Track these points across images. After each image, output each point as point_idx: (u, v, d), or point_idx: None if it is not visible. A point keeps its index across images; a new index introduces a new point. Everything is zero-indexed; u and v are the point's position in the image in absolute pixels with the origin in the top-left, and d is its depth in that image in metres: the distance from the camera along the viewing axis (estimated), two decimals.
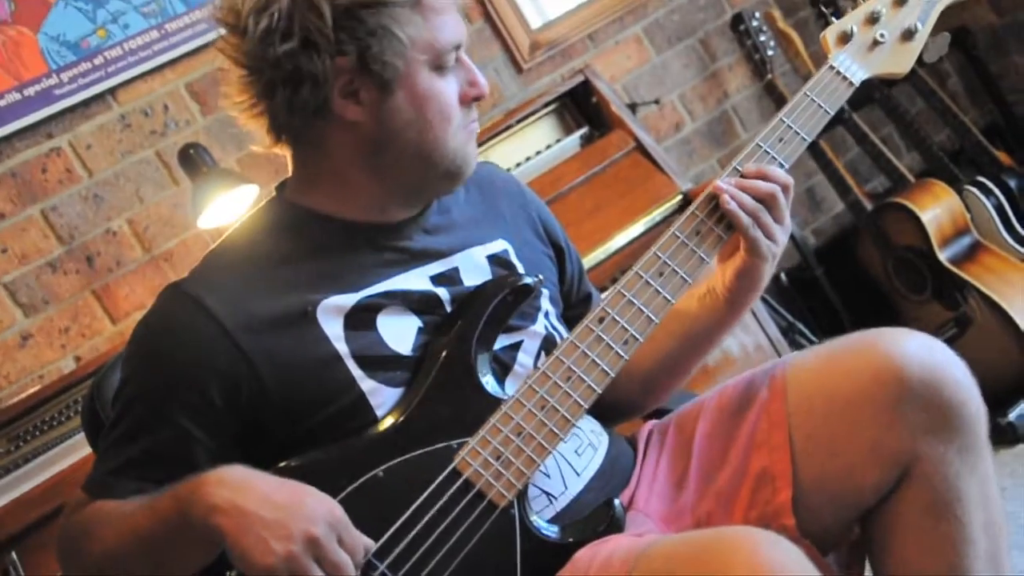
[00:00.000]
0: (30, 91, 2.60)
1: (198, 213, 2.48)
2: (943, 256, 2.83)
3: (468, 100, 1.33)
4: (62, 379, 2.34)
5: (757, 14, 3.24)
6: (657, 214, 2.65)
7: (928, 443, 1.23)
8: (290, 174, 1.38)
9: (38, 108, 2.59)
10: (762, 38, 3.20)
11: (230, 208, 2.49)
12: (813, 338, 2.92)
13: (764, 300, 2.78)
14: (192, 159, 2.50)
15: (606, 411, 1.43)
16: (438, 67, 1.30)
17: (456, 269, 1.38)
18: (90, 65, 2.65)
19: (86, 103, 2.65)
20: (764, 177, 1.36)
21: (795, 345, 2.85)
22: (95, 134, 2.67)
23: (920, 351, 1.25)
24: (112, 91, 2.68)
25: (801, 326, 2.94)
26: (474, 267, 1.39)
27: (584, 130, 2.87)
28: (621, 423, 1.51)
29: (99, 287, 2.63)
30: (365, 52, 1.26)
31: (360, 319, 1.29)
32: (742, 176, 1.36)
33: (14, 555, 2.10)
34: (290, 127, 1.32)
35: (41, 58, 2.61)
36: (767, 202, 1.34)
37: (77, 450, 2.28)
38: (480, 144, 2.64)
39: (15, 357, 2.53)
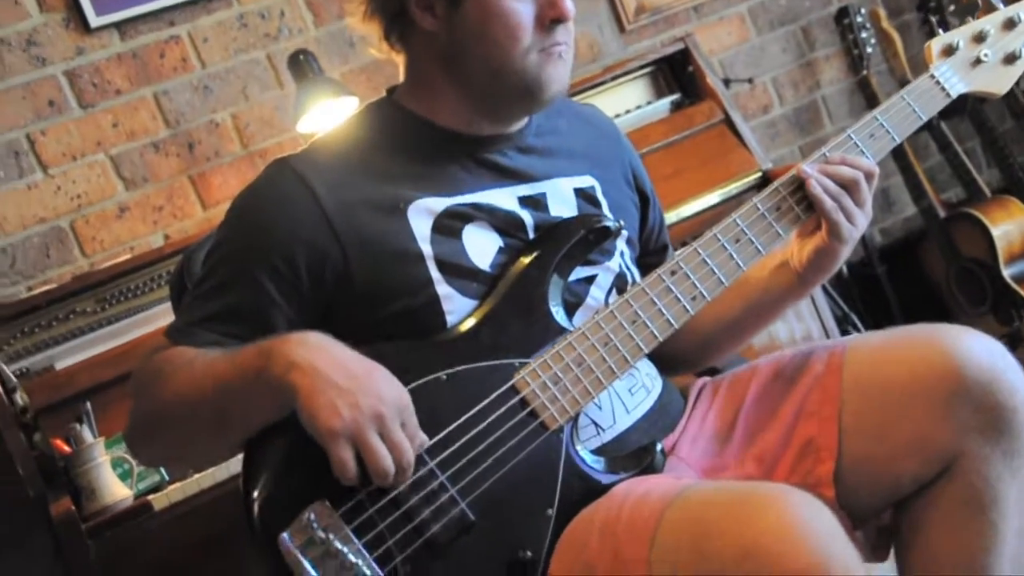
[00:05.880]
0: None
1: (298, 117, 2.57)
2: (1007, 273, 2.84)
3: (546, 20, 1.33)
4: (150, 253, 2.46)
5: (863, 10, 3.26)
6: (734, 188, 2.69)
7: (975, 442, 1.24)
8: (401, 79, 1.45)
9: None
10: (863, 34, 3.21)
11: (329, 116, 2.57)
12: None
13: (823, 288, 2.80)
14: (301, 64, 2.59)
15: (661, 359, 1.46)
16: None
17: (544, 195, 1.41)
18: None
19: None
20: (849, 164, 1.39)
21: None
22: (213, 28, 2.76)
23: (981, 351, 1.25)
24: None
25: (855, 319, 2.97)
26: (561, 197, 1.42)
27: (676, 96, 2.91)
28: (672, 375, 1.53)
29: (196, 173, 2.73)
30: None
31: (448, 226, 1.34)
32: (828, 162, 1.39)
33: (88, 405, 2.21)
34: (388, 34, 1.40)
35: None
36: (849, 187, 1.37)
37: (155, 320, 2.40)
38: (575, 94, 2.72)
39: (111, 226, 2.65)
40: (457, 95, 1.38)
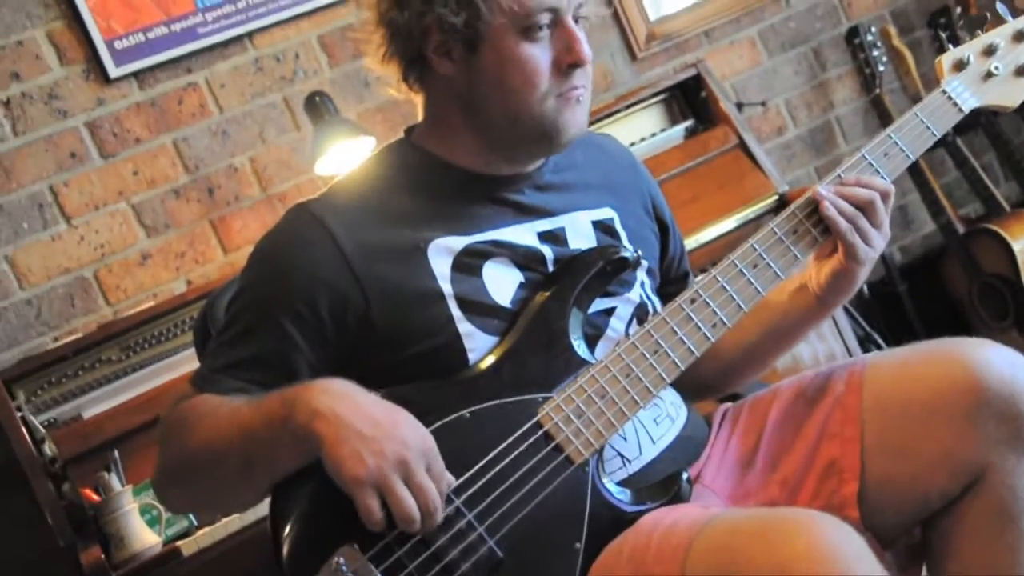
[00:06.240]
0: (176, 27, 2.72)
1: (316, 158, 2.59)
2: None
3: (563, 66, 1.33)
4: (173, 299, 2.48)
5: (873, 28, 3.26)
6: (751, 212, 2.70)
7: (1000, 454, 1.24)
8: (420, 119, 1.45)
9: (182, 44, 2.72)
10: (875, 53, 3.21)
11: (347, 156, 2.59)
12: None
13: (845, 308, 2.79)
14: (317, 106, 2.62)
15: (683, 387, 1.46)
16: (526, 31, 1.31)
17: (563, 229, 1.41)
18: (233, 8, 2.77)
19: (225, 44, 2.78)
20: (863, 185, 1.38)
21: None
22: (230, 74, 2.80)
23: (1001, 363, 1.26)
24: (250, 35, 2.80)
25: (877, 338, 2.95)
26: (580, 231, 1.42)
27: (689, 122, 2.92)
28: (694, 401, 1.52)
29: (216, 218, 2.75)
30: (445, 14, 1.31)
31: (467, 264, 1.34)
32: (842, 183, 1.39)
33: (116, 453, 2.24)
34: (406, 77, 1.40)
35: None
36: (865, 208, 1.37)
37: (180, 366, 2.42)
38: (589, 124, 2.72)
39: (134, 274, 2.67)
40: (475, 137, 1.39)
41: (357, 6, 2.86)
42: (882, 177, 1.42)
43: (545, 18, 1.32)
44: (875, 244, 1.38)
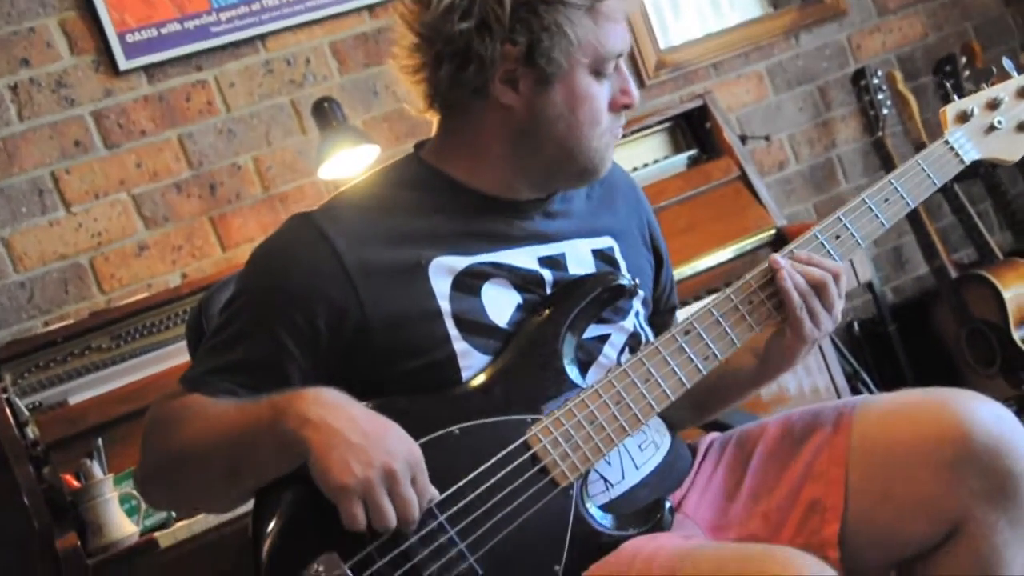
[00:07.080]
0: (190, 24, 2.74)
1: (320, 162, 2.61)
2: (1017, 335, 2.85)
3: (618, 107, 1.38)
4: (167, 292, 2.49)
5: (880, 72, 3.28)
6: (748, 243, 2.72)
7: (981, 508, 1.25)
8: (433, 137, 1.44)
9: (194, 41, 2.74)
10: (880, 96, 3.23)
11: (350, 163, 2.61)
12: (875, 389, 2.95)
13: (834, 344, 2.82)
14: (324, 111, 2.63)
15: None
16: (597, 71, 1.34)
17: (563, 255, 1.42)
18: (248, 9, 2.79)
19: (237, 44, 2.79)
20: (815, 264, 1.38)
21: (856, 393, 2.87)
22: (240, 74, 2.81)
23: (989, 417, 1.27)
24: (262, 37, 2.82)
25: (864, 375, 2.97)
26: (579, 258, 1.43)
27: (693, 152, 2.95)
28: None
29: (216, 215, 2.76)
30: (534, 45, 1.30)
31: (467, 284, 1.34)
32: (794, 259, 1.38)
33: (99, 441, 2.24)
34: (446, 98, 1.38)
35: None
36: (818, 288, 1.37)
37: (169, 359, 2.43)
38: None
39: (130, 264, 2.68)
40: (513, 165, 1.38)
41: (373, 15, 2.91)
42: (882, 223, 1.44)
43: (614, 62, 1.36)
44: (823, 326, 1.38)
